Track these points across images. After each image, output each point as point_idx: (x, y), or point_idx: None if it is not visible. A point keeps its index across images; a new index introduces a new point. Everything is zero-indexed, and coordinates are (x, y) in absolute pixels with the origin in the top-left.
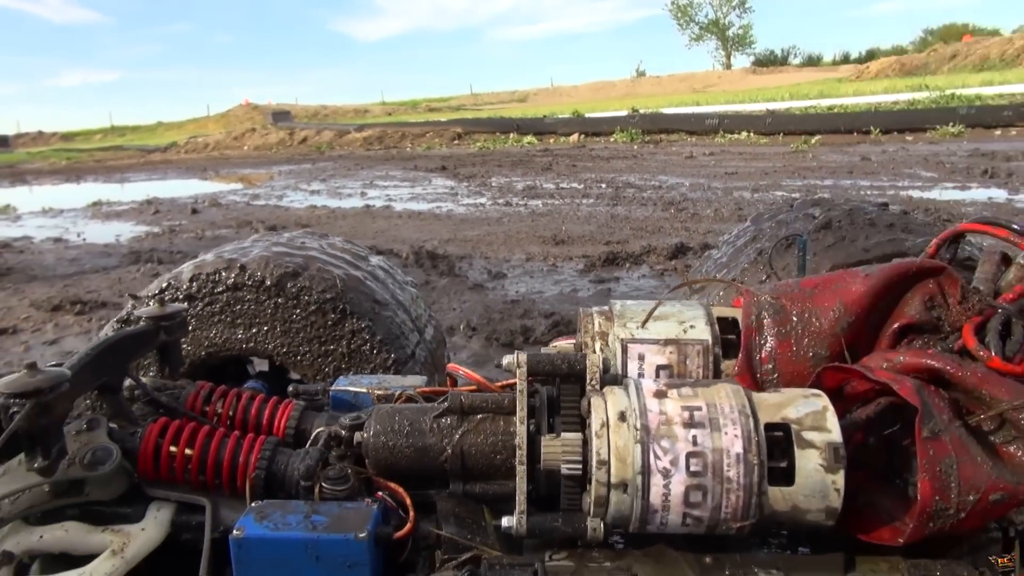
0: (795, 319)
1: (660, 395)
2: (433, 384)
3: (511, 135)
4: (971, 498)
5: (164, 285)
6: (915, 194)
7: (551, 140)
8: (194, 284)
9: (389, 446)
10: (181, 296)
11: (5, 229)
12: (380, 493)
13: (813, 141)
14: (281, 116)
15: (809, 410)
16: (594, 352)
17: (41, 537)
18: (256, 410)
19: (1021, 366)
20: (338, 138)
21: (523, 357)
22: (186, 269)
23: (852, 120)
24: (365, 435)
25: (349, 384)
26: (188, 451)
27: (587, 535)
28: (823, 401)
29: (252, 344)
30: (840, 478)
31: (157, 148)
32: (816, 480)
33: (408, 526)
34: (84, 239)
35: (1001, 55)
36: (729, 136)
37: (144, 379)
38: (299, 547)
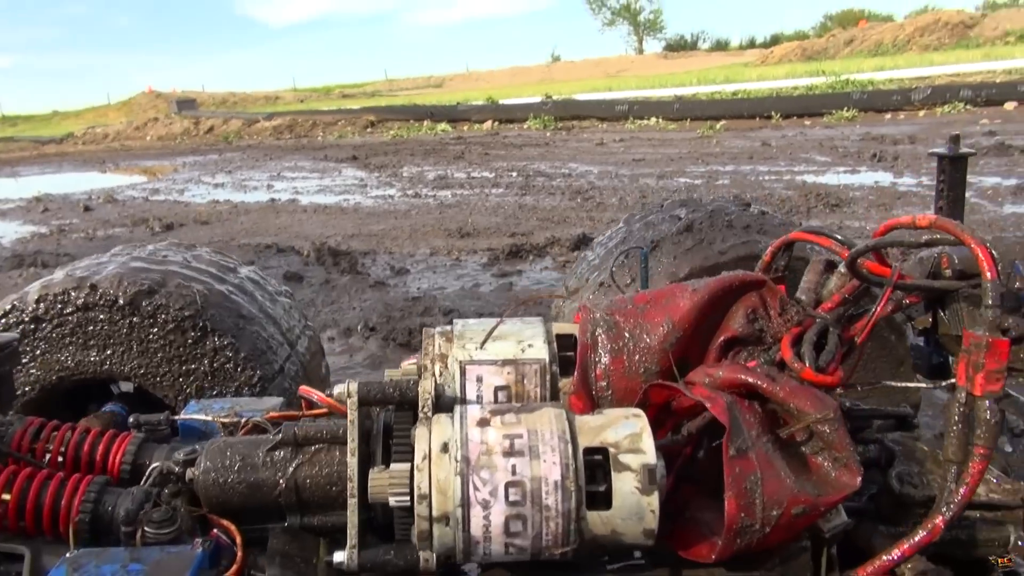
0: (627, 335)
1: (483, 423)
2: (293, 405)
3: (425, 122)
4: (775, 513)
5: (8, 307)
6: (809, 179)
7: (465, 127)
8: (41, 305)
9: (220, 483)
10: (27, 319)
11: None
12: (214, 531)
13: (718, 126)
14: (186, 104)
15: (627, 432)
16: (433, 375)
17: None
18: (89, 446)
19: (833, 376)
20: (247, 127)
21: (353, 387)
22: (32, 289)
23: (755, 105)
24: (196, 472)
25: (199, 410)
26: (5, 496)
27: (419, 566)
28: (641, 422)
29: (107, 366)
30: (655, 500)
31: (52, 139)
32: (632, 503)
33: (235, 567)
34: None
35: (893, 40)
36: (639, 122)
37: None
38: None
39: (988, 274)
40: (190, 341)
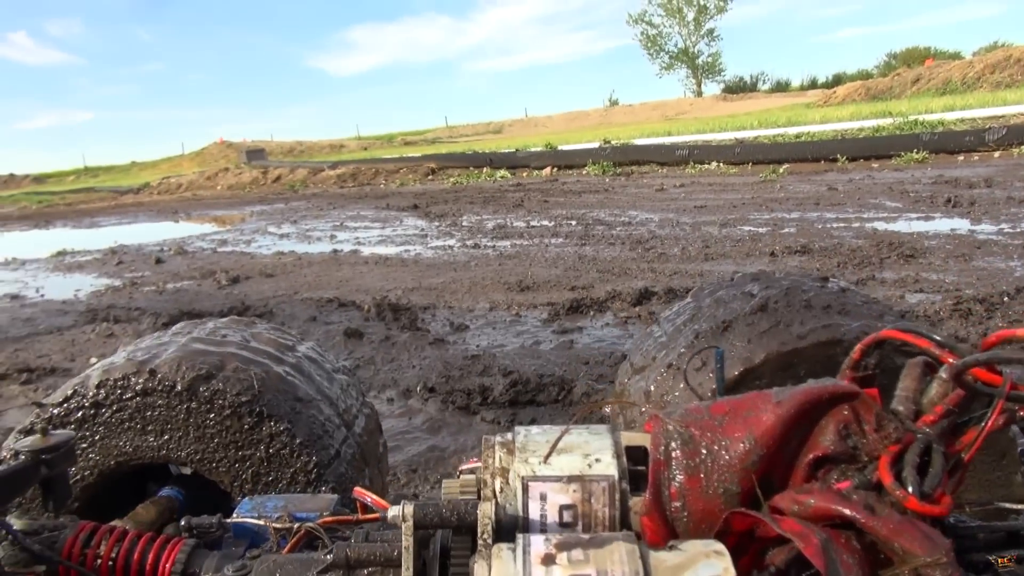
0: (704, 451)
1: (548, 560)
2: (347, 503)
3: (484, 169)
4: None
5: (70, 392)
6: (880, 226)
7: (524, 174)
8: (101, 391)
9: None
10: (87, 404)
11: None
12: None
13: (781, 170)
14: (255, 154)
15: (710, 572)
16: (493, 495)
17: None
18: (139, 554)
19: (941, 505)
20: (312, 176)
21: (409, 510)
22: (94, 374)
23: (819, 148)
24: None
25: (252, 509)
26: None
27: None
28: (724, 563)
29: (164, 451)
30: None
31: (130, 189)
32: None
33: None
34: (43, 295)
35: (962, 78)
36: (699, 166)
37: (19, 521)
38: None
39: None
40: (246, 427)
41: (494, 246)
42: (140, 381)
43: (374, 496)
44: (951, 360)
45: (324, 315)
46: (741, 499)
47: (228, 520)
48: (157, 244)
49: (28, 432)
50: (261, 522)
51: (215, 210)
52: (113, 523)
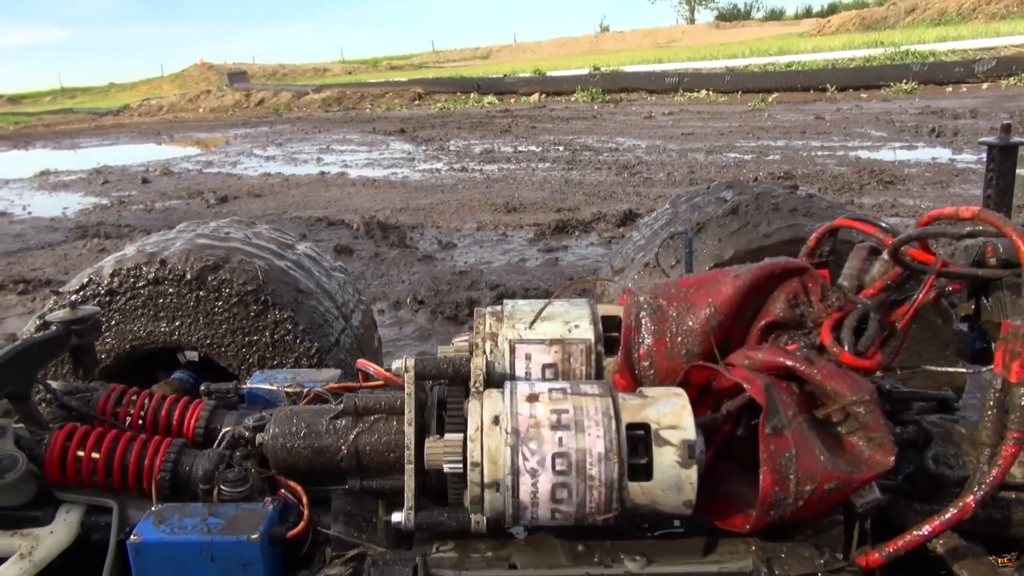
0: (671, 318)
1: (532, 399)
2: (350, 376)
3: (472, 95)
4: (808, 488)
5: (86, 281)
6: (863, 154)
7: (512, 100)
8: (115, 279)
9: (288, 447)
10: (103, 292)
11: None
12: (282, 491)
13: (770, 99)
14: (237, 76)
15: (668, 409)
16: (484, 352)
17: None
18: (167, 411)
19: (871, 360)
20: (296, 99)
21: (411, 362)
22: (107, 264)
23: (809, 78)
24: (265, 437)
25: (263, 380)
26: (95, 455)
27: (471, 528)
28: (682, 400)
29: (176, 337)
30: (693, 473)
31: (109, 111)
32: (672, 475)
33: (302, 524)
34: (30, 213)
35: (958, 8)
36: (689, 95)
37: (56, 383)
38: (194, 549)
39: None
40: (252, 314)
41: (481, 170)
42: (152, 270)
43: (376, 367)
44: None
45: (313, 233)
46: (701, 359)
47: (242, 387)
48: (142, 165)
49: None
50: (274, 388)
51: (198, 132)
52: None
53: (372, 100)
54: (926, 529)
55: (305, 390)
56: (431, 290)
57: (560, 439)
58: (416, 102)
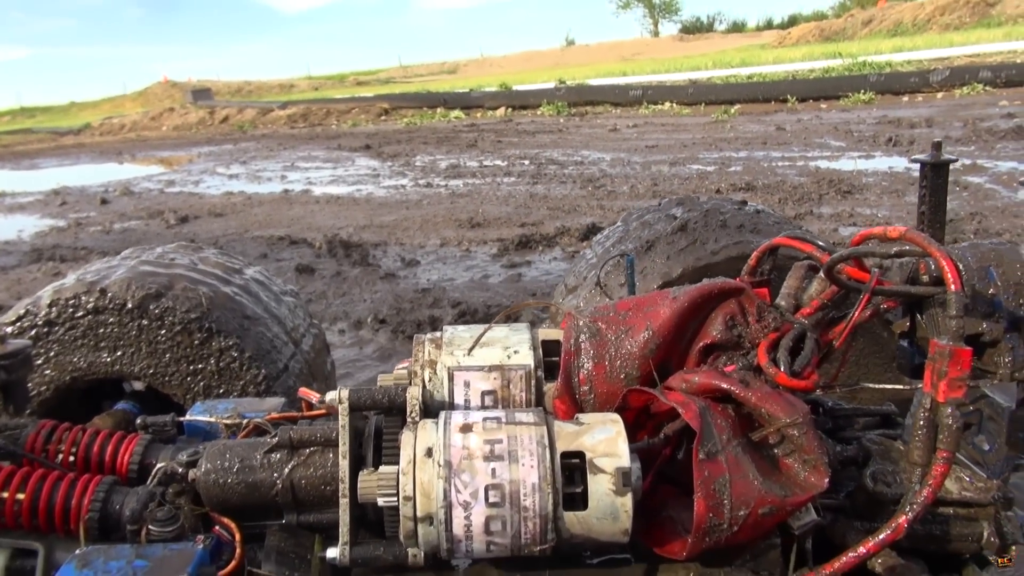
0: (610, 342)
1: (465, 429)
2: (295, 405)
3: (438, 110)
4: (742, 513)
5: (23, 312)
6: (822, 164)
7: (478, 114)
8: (53, 310)
9: (221, 483)
10: (40, 322)
11: None
12: (216, 528)
13: (733, 111)
14: (201, 94)
15: (602, 437)
16: (422, 381)
17: None
18: (99, 447)
19: (807, 381)
20: (261, 116)
21: (344, 393)
22: (45, 294)
23: (770, 89)
24: (198, 473)
25: (203, 412)
26: (19, 496)
27: (408, 562)
28: (616, 427)
29: (118, 367)
30: (628, 500)
31: (70, 131)
32: (607, 503)
33: (233, 563)
34: None
35: (913, 20)
36: (653, 107)
37: None
38: None
39: (952, 286)
40: (197, 342)
41: (446, 185)
42: (91, 300)
43: (318, 395)
44: None
45: (275, 252)
46: (640, 383)
47: (181, 419)
48: (102, 185)
49: None
50: (212, 419)
51: (161, 151)
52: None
53: (338, 116)
54: (861, 550)
55: (245, 421)
56: (393, 308)
57: (493, 470)
58: (382, 117)
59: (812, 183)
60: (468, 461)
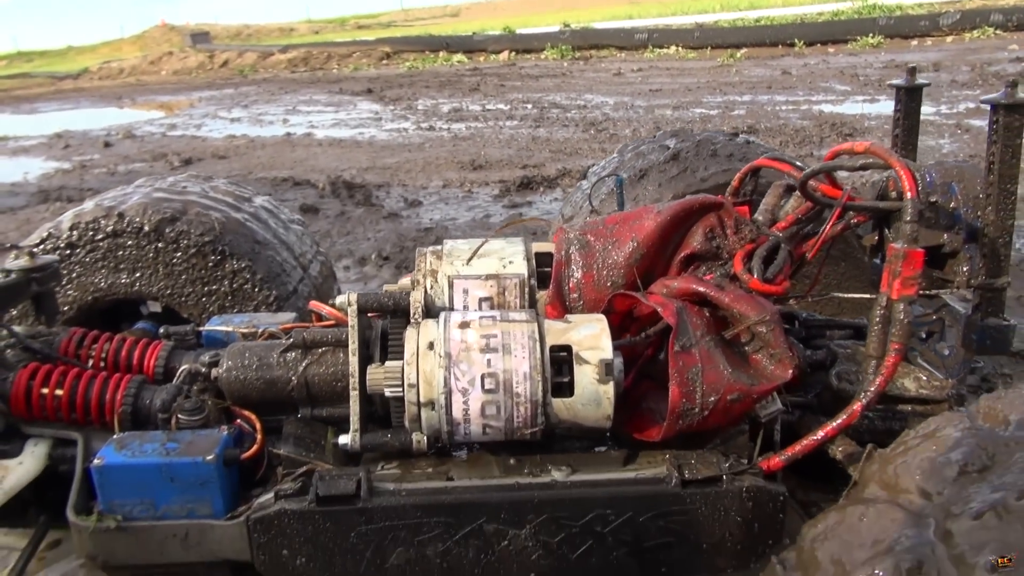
0: (598, 253)
1: (464, 326)
2: (306, 319)
3: (440, 54)
4: (712, 399)
5: (45, 235)
6: (826, 108)
7: (481, 58)
8: (74, 233)
9: (241, 380)
10: (62, 245)
11: None
12: (237, 420)
13: (739, 55)
14: (200, 37)
15: (588, 332)
16: (424, 287)
17: None
18: (127, 352)
19: (778, 286)
20: (261, 60)
21: (353, 297)
22: (66, 218)
23: (777, 32)
24: (220, 371)
25: (220, 324)
26: (58, 392)
27: (413, 447)
28: (601, 324)
29: (137, 288)
30: (610, 388)
31: (68, 75)
32: (591, 391)
33: (255, 447)
34: None
35: None
36: (658, 51)
37: (19, 327)
38: (154, 471)
39: (909, 193)
40: (211, 264)
41: (449, 128)
42: (110, 224)
43: (328, 308)
44: None
45: (279, 193)
46: (626, 289)
47: (200, 329)
48: (104, 129)
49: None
50: (230, 329)
51: (161, 96)
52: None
53: (339, 60)
54: (820, 434)
55: (260, 330)
56: (396, 246)
57: (489, 361)
58: (384, 62)
59: (814, 126)
60: (466, 352)
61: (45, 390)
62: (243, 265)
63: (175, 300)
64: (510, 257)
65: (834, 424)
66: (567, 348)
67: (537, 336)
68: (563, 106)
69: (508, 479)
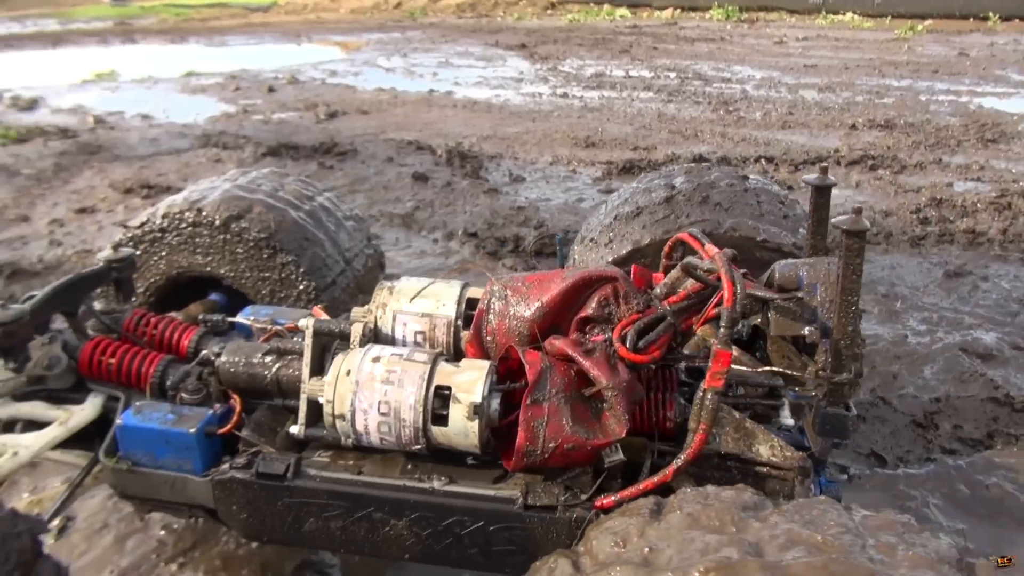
0: (511, 306)
1: (376, 360)
2: (337, 312)
3: (604, 7)
4: (552, 445)
5: (144, 219)
6: (987, 103)
7: (644, 14)
8: (165, 220)
9: (231, 371)
10: (156, 228)
11: (104, 100)
12: (231, 402)
13: (920, 27)
14: None
15: (467, 378)
16: (376, 318)
17: (19, 409)
18: (169, 333)
19: (645, 356)
20: (432, 3)
21: (310, 323)
22: (161, 207)
23: (970, 3)
24: (218, 361)
25: (250, 313)
26: (111, 361)
27: (342, 442)
28: (481, 372)
29: (209, 268)
30: (475, 425)
31: (260, 7)
32: (461, 425)
33: (228, 426)
34: (168, 117)
35: None
36: (832, 17)
37: (98, 304)
38: (156, 435)
39: (726, 304)
40: (265, 256)
41: (581, 97)
42: (191, 216)
43: (325, 315)
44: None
45: (401, 157)
46: (529, 340)
47: (231, 320)
48: (273, 71)
49: (116, 247)
50: (250, 322)
51: (335, 35)
52: (169, 314)
53: (506, 7)
54: (642, 485)
55: (270, 329)
56: (486, 223)
57: (386, 391)
58: (548, 12)
59: (960, 125)
60: (370, 382)
61: (103, 358)
62: (290, 259)
63: (237, 281)
64: (444, 300)
65: (653, 479)
66: (448, 388)
67: (426, 376)
68: (706, 77)
69: (399, 480)
